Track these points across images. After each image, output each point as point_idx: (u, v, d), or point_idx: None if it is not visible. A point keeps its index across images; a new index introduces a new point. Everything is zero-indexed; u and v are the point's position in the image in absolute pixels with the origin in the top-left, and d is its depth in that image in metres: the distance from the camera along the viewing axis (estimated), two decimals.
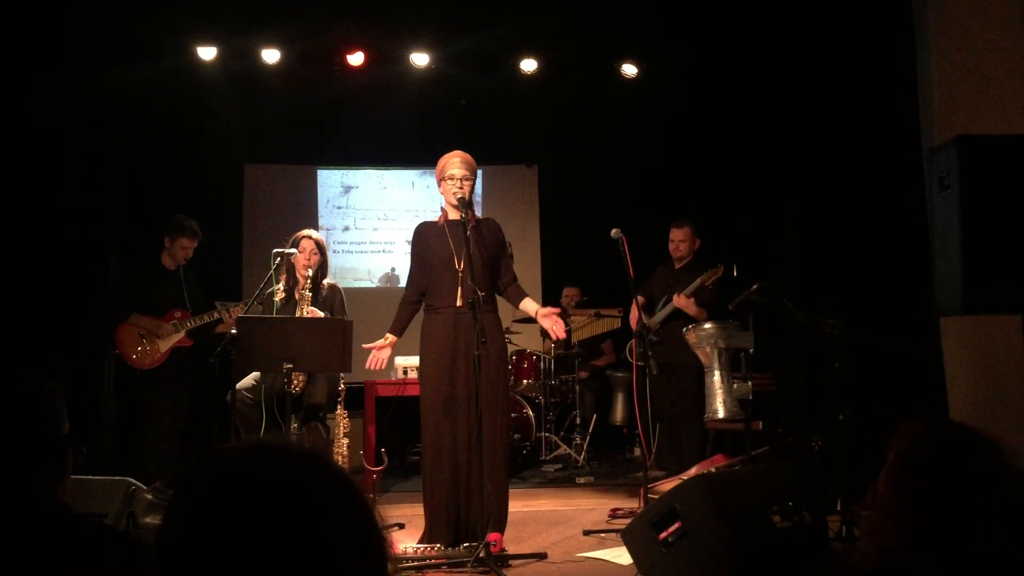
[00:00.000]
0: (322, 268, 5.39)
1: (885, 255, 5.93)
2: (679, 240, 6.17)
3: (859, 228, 6.17)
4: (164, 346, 5.75)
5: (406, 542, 4.33)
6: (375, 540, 0.96)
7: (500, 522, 4.32)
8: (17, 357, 5.94)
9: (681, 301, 5.85)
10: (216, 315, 5.73)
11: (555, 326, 4.46)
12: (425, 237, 4.56)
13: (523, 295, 4.66)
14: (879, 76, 5.95)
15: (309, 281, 5.17)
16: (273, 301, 5.22)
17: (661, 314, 6.02)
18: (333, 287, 5.50)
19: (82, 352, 6.75)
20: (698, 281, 5.83)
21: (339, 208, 8.59)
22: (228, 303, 5.76)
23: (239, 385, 5.07)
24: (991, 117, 4.62)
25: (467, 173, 4.44)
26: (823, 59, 6.45)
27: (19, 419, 1.69)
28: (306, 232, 5.38)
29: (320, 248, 5.35)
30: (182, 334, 5.78)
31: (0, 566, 1.51)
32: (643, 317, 5.22)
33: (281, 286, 5.29)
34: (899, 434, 1.53)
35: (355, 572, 0.93)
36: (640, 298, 5.90)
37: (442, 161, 4.50)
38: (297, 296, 5.23)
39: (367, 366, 4.63)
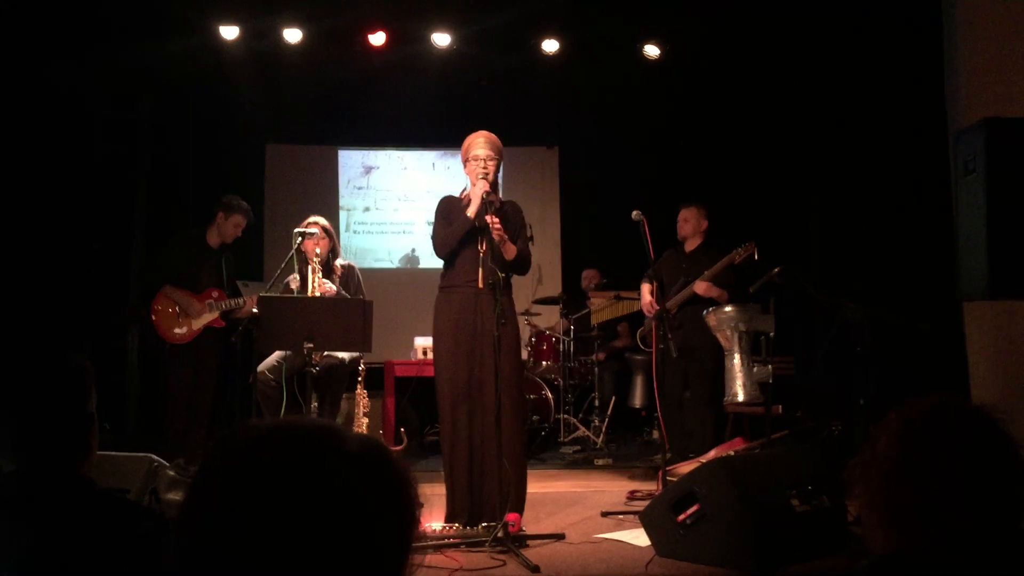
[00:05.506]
0: (332, 251, 5.43)
1: (910, 239, 5.89)
2: (683, 220, 6.03)
3: (885, 212, 6.13)
4: (197, 324, 5.70)
5: (429, 521, 4.35)
6: (402, 518, 0.95)
7: (519, 502, 4.32)
8: (44, 332, 6.00)
9: (702, 287, 5.72)
10: (243, 301, 5.72)
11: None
12: (450, 210, 4.49)
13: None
14: (905, 58, 5.89)
15: (320, 263, 5.19)
16: (291, 290, 5.24)
17: (678, 297, 5.89)
18: (349, 267, 5.52)
19: (106, 327, 6.79)
20: (726, 259, 5.69)
21: (360, 189, 8.60)
22: (249, 282, 5.76)
23: (262, 366, 5.10)
24: (1018, 100, 4.55)
25: (491, 153, 4.41)
26: (849, 42, 6.38)
27: (51, 395, 1.71)
28: (312, 219, 5.40)
29: (327, 232, 5.41)
30: (216, 314, 5.72)
31: (29, 540, 1.54)
32: (656, 301, 5.20)
33: (295, 275, 5.31)
34: (895, 413, 1.40)
35: (376, 548, 0.93)
36: (646, 284, 5.85)
37: (467, 141, 4.47)
38: (310, 275, 5.26)
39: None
